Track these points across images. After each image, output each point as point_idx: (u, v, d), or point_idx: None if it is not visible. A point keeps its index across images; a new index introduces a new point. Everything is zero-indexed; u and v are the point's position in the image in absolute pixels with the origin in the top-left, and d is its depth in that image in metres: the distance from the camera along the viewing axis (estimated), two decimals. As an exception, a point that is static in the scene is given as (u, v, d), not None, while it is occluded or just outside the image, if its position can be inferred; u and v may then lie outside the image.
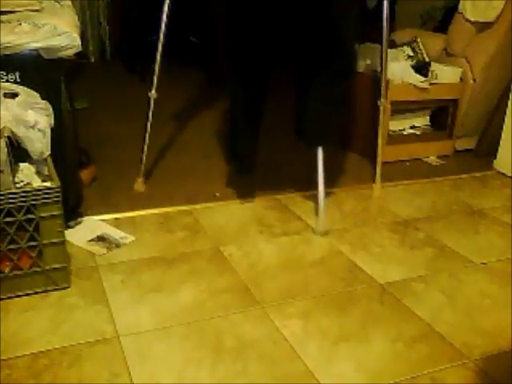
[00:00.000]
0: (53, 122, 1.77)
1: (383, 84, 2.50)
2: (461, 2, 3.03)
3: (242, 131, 2.32)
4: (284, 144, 3.17)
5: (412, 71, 2.90)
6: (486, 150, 3.03)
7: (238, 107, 2.32)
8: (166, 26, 2.31)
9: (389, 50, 2.94)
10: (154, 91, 2.38)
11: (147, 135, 2.44)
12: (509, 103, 2.81)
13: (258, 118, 2.28)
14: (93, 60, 5.23)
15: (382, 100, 2.51)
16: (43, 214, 1.60)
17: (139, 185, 2.48)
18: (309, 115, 2.19)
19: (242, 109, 2.28)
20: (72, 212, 2.09)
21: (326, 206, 2.23)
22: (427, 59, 3.05)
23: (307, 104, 2.19)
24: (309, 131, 2.23)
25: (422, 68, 2.97)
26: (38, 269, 1.64)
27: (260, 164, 2.42)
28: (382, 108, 2.52)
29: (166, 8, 2.28)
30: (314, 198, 2.46)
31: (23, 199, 1.55)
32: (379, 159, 2.60)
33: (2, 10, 1.80)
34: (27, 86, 1.76)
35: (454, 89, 3.00)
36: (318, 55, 2.13)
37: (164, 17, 2.30)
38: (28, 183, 1.65)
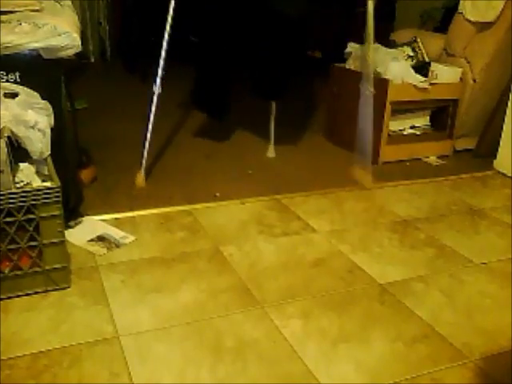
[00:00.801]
0: (53, 122, 1.77)
1: (370, 71, 2.69)
2: (461, 2, 3.03)
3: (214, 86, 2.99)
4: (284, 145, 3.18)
5: (412, 71, 2.90)
6: (486, 150, 3.02)
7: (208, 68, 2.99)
8: (171, 20, 2.44)
9: (389, 50, 2.96)
10: (158, 85, 2.44)
11: (150, 127, 2.47)
12: (509, 103, 2.81)
13: (227, 75, 2.98)
14: (93, 60, 5.23)
15: (369, 87, 2.67)
16: (43, 214, 1.60)
17: (140, 179, 2.51)
18: (266, 80, 2.95)
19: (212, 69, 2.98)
20: (72, 212, 2.09)
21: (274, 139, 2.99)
22: (427, 59, 3.05)
23: (264, 72, 2.92)
24: (266, 91, 2.97)
25: (421, 68, 2.97)
26: (38, 269, 1.64)
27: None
28: (367, 94, 2.69)
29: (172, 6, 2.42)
30: (314, 198, 2.47)
31: (23, 199, 1.55)
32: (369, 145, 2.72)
33: (2, 9, 1.80)
34: (27, 86, 1.76)
35: (454, 89, 3.00)
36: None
37: (170, 13, 2.43)
38: (28, 183, 1.65)
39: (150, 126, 2.46)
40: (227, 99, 3.01)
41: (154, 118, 2.45)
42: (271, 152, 2.97)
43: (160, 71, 2.43)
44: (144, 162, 2.51)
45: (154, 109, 2.44)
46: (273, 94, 2.92)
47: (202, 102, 3.05)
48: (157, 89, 2.43)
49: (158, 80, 2.43)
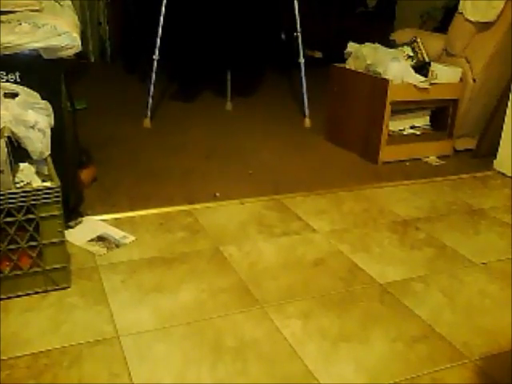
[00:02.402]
0: (53, 122, 1.77)
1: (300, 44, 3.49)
2: (461, 2, 3.03)
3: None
4: (285, 148, 3.18)
5: (412, 71, 2.90)
6: (486, 150, 3.02)
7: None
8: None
9: (389, 50, 2.96)
10: (157, 53, 3.25)
11: (152, 83, 3.29)
12: (509, 103, 2.81)
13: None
14: (93, 60, 5.23)
15: (302, 59, 3.49)
16: (43, 214, 1.60)
17: (147, 122, 3.29)
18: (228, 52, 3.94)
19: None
20: (72, 212, 2.09)
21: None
22: (427, 59, 3.05)
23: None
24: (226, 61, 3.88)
25: (421, 68, 2.97)
26: (38, 269, 1.64)
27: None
28: (301, 65, 3.51)
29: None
30: (314, 198, 2.47)
31: (23, 199, 1.55)
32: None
33: (2, 9, 1.80)
34: (27, 86, 1.76)
35: (454, 89, 3.00)
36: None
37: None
38: (28, 183, 1.65)
39: (152, 83, 3.30)
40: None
41: (154, 81, 3.30)
42: (229, 106, 3.71)
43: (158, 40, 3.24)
44: (149, 109, 3.28)
45: (154, 72, 3.27)
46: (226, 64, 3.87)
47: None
48: (156, 56, 3.25)
49: (156, 48, 3.24)
